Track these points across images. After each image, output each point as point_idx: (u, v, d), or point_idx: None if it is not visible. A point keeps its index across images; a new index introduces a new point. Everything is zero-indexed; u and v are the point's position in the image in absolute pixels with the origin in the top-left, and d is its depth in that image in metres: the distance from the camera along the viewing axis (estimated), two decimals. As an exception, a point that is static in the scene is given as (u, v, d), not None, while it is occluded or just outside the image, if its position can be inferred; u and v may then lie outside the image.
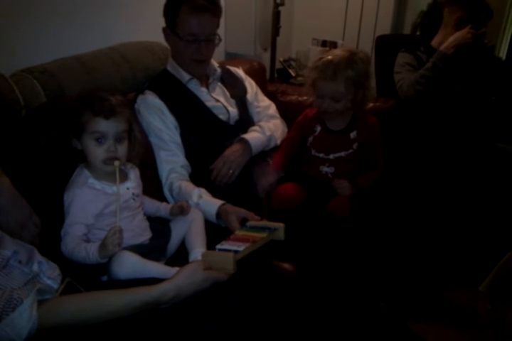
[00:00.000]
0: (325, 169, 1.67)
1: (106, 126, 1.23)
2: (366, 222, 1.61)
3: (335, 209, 1.58)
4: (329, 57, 1.57)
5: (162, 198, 1.61)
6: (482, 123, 2.20)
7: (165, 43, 1.79)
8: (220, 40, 1.71)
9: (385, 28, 2.83)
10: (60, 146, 1.32)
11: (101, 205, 1.26)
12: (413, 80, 2.15)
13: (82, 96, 1.26)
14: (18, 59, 1.56)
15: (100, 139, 1.23)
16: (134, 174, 1.38)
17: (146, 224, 1.39)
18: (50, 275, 1.05)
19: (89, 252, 1.16)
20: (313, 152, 1.68)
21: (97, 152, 1.24)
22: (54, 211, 1.25)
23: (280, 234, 1.35)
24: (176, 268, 1.18)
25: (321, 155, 1.67)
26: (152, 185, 1.59)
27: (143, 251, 1.27)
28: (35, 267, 1.03)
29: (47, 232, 1.22)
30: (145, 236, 1.36)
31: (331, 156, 1.66)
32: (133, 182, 1.36)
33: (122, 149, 1.27)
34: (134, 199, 1.34)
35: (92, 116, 1.21)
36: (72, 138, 1.26)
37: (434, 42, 2.28)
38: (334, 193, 1.62)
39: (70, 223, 1.23)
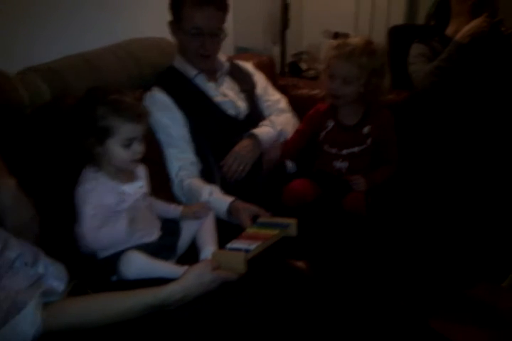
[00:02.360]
0: (338, 164, 1.64)
1: (136, 130, 1.22)
2: (382, 218, 1.57)
3: (350, 205, 1.55)
4: (348, 40, 1.56)
5: (169, 196, 1.58)
6: (500, 116, 2.13)
7: (171, 39, 1.76)
8: (225, 35, 1.68)
9: (398, 18, 2.78)
10: (65, 146, 1.31)
11: (113, 200, 1.23)
12: (428, 71, 2.10)
13: (98, 100, 1.21)
14: (22, 57, 1.55)
15: (129, 143, 1.22)
16: (143, 172, 1.36)
17: (157, 223, 1.37)
18: (57, 276, 1.03)
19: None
20: (326, 147, 1.65)
21: (124, 155, 1.23)
22: (60, 211, 1.24)
23: (292, 231, 1.32)
24: (185, 267, 1.16)
25: (334, 150, 1.63)
26: (159, 183, 1.56)
27: (152, 250, 1.25)
28: (41, 269, 1.01)
29: (54, 232, 1.20)
30: (155, 235, 1.34)
31: (344, 152, 1.62)
32: (144, 181, 1.34)
33: (143, 147, 1.27)
34: (144, 198, 1.32)
35: (122, 122, 1.19)
36: (94, 142, 1.21)
37: (449, 32, 2.22)
38: (348, 189, 1.59)
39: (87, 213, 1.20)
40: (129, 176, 1.30)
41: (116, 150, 1.22)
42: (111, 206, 1.23)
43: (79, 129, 1.22)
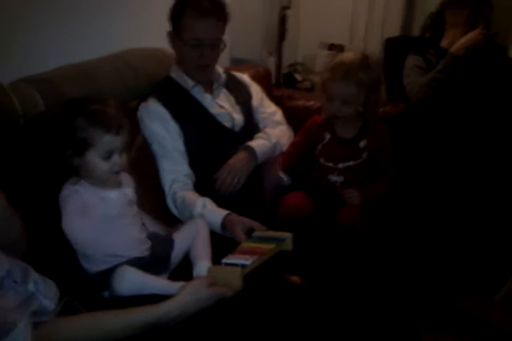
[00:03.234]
0: (334, 178, 1.63)
1: (115, 142, 1.19)
2: (376, 232, 1.56)
3: (344, 219, 1.54)
4: (341, 58, 1.55)
5: (164, 209, 1.57)
6: (495, 128, 2.14)
7: (169, 50, 1.75)
8: (225, 45, 1.67)
9: (393, 30, 2.78)
10: (55, 157, 1.28)
11: (97, 203, 1.21)
12: (423, 83, 2.10)
13: (78, 110, 1.18)
14: (16, 67, 1.52)
15: (108, 155, 1.20)
16: (128, 180, 1.33)
17: (145, 233, 1.34)
18: (47, 294, 0.99)
19: None
20: (322, 161, 1.64)
21: (104, 167, 1.20)
22: (49, 225, 1.21)
23: (288, 245, 1.31)
24: (179, 283, 1.14)
25: (330, 164, 1.62)
26: (154, 196, 1.55)
27: (144, 264, 1.23)
28: (31, 286, 0.97)
29: (42, 248, 1.17)
30: (144, 246, 1.31)
31: (340, 166, 1.61)
32: (128, 187, 1.31)
33: (124, 159, 1.24)
34: (130, 205, 1.29)
35: (101, 134, 1.17)
36: (72, 154, 1.19)
37: (444, 44, 2.23)
38: (343, 202, 1.58)
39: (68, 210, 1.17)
40: (114, 183, 1.27)
41: (96, 162, 1.19)
42: (96, 209, 1.20)
43: (59, 140, 1.19)
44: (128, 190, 1.29)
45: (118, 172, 1.24)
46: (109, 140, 1.18)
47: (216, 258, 1.28)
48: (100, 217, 1.19)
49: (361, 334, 1.49)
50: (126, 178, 1.33)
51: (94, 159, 1.19)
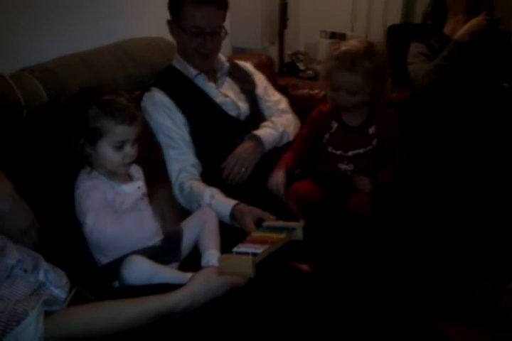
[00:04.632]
0: (343, 166, 1.60)
1: (128, 132, 1.19)
2: (388, 219, 1.53)
3: (355, 206, 1.52)
4: (346, 47, 1.50)
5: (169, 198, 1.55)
6: (499, 114, 2.12)
7: (170, 38, 1.73)
8: (226, 33, 1.65)
9: (395, 17, 2.75)
10: (62, 147, 1.26)
11: (114, 198, 1.20)
12: (428, 70, 2.08)
13: (92, 100, 1.17)
14: (17, 58, 1.51)
15: (120, 145, 1.19)
16: (139, 173, 1.33)
17: (158, 225, 1.33)
18: (58, 283, 0.99)
19: None
20: (330, 149, 1.61)
21: (115, 157, 1.20)
22: (58, 216, 1.20)
23: (298, 234, 1.29)
24: (189, 274, 1.13)
25: (339, 152, 1.60)
26: (161, 185, 1.53)
27: (155, 253, 1.22)
28: (41, 276, 0.97)
29: (52, 239, 1.15)
30: (157, 237, 1.30)
31: (350, 153, 1.59)
32: (139, 180, 1.30)
33: (135, 150, 1.24)
34: (142, 198, 1.29)
35: (114, 124, 1.16)
36: (84, 143, 1.18)
37: (447, 30, 2.21)
38: (353, 190, 1.55)
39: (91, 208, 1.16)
40: (125, 177, 1.28)
41: (107, 152, 1.19)
42: (113, 203, 1.19)
43: (70, 129, 1.18)
44: (140, 183, 1.29)
45: (129, 163, 1.24)
46: (122, 130, 1.18)
47: (225, 248, 1.26)
48: (116, 210, 1.19)
49: (372, 323, 1.49)
50: (136, 170, 1.32)
51: (105, 149, 1.18)
